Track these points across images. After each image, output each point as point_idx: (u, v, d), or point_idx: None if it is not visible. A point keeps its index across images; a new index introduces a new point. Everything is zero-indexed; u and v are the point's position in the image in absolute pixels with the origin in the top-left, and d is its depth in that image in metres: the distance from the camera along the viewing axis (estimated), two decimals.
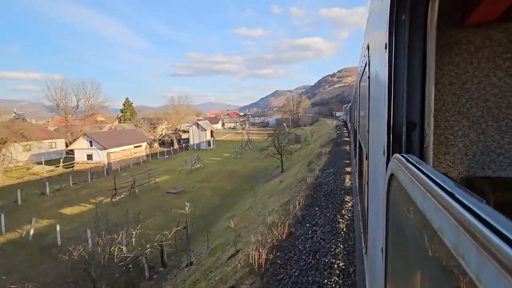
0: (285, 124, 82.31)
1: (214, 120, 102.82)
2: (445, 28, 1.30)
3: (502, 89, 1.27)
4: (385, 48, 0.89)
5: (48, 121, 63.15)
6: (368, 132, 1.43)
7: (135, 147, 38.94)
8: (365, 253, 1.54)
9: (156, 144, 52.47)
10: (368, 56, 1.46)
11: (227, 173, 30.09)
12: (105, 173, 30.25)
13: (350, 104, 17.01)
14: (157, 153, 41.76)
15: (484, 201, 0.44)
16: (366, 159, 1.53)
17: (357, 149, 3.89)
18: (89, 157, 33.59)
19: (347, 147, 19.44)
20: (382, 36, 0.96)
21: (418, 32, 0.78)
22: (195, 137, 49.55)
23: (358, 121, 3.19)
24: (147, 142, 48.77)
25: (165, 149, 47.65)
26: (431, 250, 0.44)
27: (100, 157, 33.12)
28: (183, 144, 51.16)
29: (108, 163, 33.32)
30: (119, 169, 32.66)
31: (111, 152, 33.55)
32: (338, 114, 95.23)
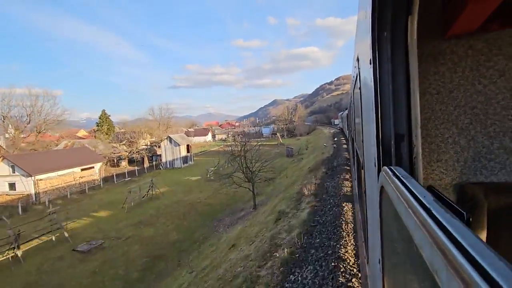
0: (278, 135, 74.55)
1: (203, 132, 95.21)
2: (428, 40, 1.31)
3: (487, 96, 1.29)
4: (370, 63, 0.92)
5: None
6: (362, 142, 1.49)
7: (83, 169, 30.94)
8: (367, 262, 1.47)
9: (124, 163, 44.52)
10: (358, 68, 1.52)
11: (185, 208, 21.87)
12: (19, 210, 22.09)
13: (346, 112, 15.43)
14: (113, 175, 33.64)
15: (464, 213, 0.48)
16: (362, 169, 1.59)
17: (355, 157, 3.79)
18: (12, 186, 25.57)
19: (347, 176, 11.42)
20: (367, 51, 0.98)
21: (400, 47, 0.80)
22: (167, 153, 41.60)
23: (354, 130, 3.19)
24: (107, 162, 40.89)
25: (133, 169, 39.66)
26: (417, 265, 0.44)
27: (25, 186, 25.08)
28: (154, 162, 43.12)
29: (36, 194, 25.24)
30: (47, 202, 24.50)
31: (41, 179, 25.51)
32: (336, 122, 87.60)
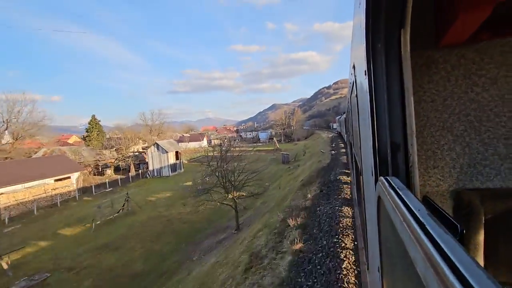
0: (275, 140, 71.82)
1: (199, 137, 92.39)
2: (422, 50, 1.33)
3: (480, 103, 1.31)
4: (365, 74, 0.94)
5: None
6: (360, 149, 1.48)
7: (57, 180, 28.10)
8: (367, 269, 1.45)
9: (109, 171, 41.66)
10: (355, 76, 1.52)
11: (162, 226, 19.03)
12: None
13: (344, 116, 15.65)
14: (92, 186, 30.74)
15: (458, 226, 0.51)
16: (361, 175, 1.56)
17: (353, 163, 3.77)
18: None
19: (347, 198, 8.73)
20: (362, 62, 1.00)
21: (394, 59, 0.82)
22: (154, 161, 38.80)
23: (352, 135, 3.17)
24: (91, 170, 38.08)
25: (120, 177, 36.80)
26: (413, 278, 0.44)
27: None
28: (140, 170, 40.28)
29: None
30: (6, 220, 21.60)
31: (2, 193, 22.65)
32: (334, 126, 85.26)
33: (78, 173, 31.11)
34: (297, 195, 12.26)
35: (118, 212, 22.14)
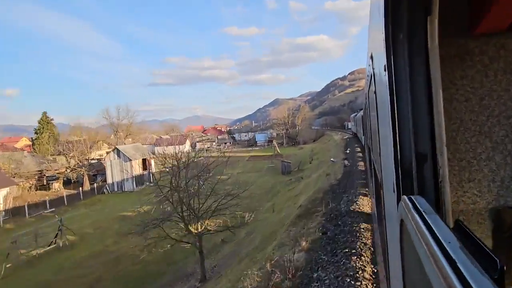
0: (275, 143, 69.22)
1: (181, 140, 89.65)
2: (453, 39, 1.30)
3: None
4: (384, 70, 0.94)
5: None
6: (380, 156, 1.48)
7: None
8: None
9: (57, 185, 38.88)
10: (373, 68, 1.56)
11: (103, 268, 16.25)
12: None
13: (360, 113, 15.69)
14: (24, 206, 27.90)
15: (497, 260, 0.52)
16: (381, 188, 1.56)
17: (372, 170, 3.73)
18: None
19: (367, 242, 6.06)
20: (381, 55, 0.99)
21: (419, 51, 0.80)
22: (114, 171, 36.00)
23: (370, 138, 3.20)
24: (32, 184, 35.33)
25: (70, 192, 34.07)
26: None
27: None
28: (96, 183, 37.45)
29: None
30: None
31: None
32: (350, 125, 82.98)
33: (7, 189, 28.30)
34: (287, 235, 9.52)
35: (49, 246, 19.38)
